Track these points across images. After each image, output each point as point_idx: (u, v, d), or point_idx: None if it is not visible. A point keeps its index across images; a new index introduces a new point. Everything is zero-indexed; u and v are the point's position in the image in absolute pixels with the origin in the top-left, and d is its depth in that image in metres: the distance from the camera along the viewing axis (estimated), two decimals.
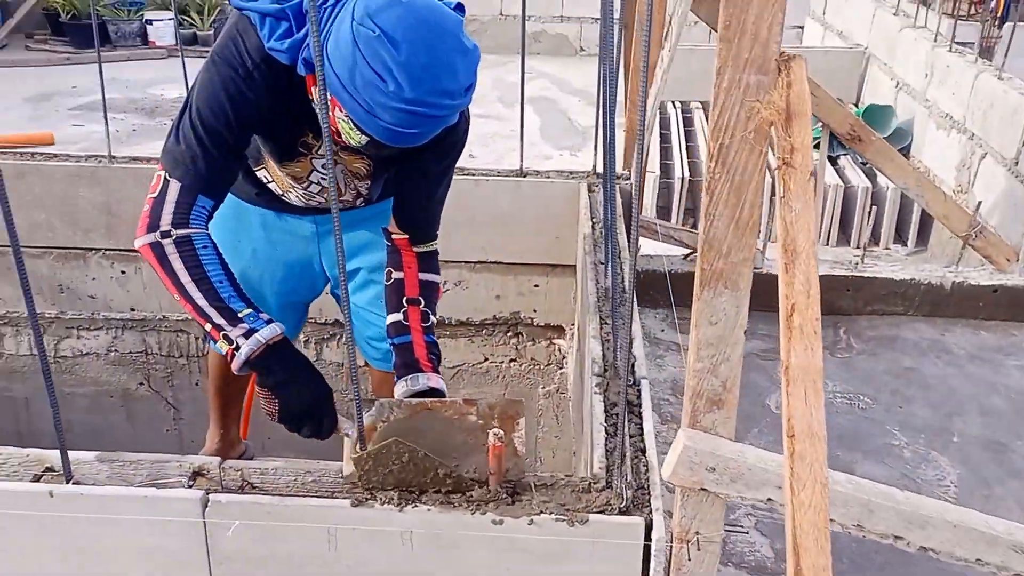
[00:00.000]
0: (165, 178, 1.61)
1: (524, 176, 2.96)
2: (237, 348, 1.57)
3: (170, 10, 7.17)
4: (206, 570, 1.62)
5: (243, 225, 2.03)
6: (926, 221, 4.21)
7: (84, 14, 7.10)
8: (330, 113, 1.55)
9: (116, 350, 3.34)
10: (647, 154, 3.12)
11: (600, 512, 1.54)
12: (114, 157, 3.06)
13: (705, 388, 1.35)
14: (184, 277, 1.57)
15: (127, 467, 1.66)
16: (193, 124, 1.59)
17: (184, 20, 7.18)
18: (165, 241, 1.58)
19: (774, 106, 1.15)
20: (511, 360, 3.26)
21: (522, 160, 2.97)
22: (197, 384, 3.40)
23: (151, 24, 7.24)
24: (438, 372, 1.82)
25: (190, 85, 1.70)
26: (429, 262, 1.87)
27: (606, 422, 1.79)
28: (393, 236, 1.86)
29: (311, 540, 1.58)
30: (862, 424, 2.47)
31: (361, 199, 1.91)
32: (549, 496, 1.58)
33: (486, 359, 3.27)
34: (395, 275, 1.85)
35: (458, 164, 1.96)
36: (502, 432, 1.55)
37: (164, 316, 3.26)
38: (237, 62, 1.58)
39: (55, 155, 3.13)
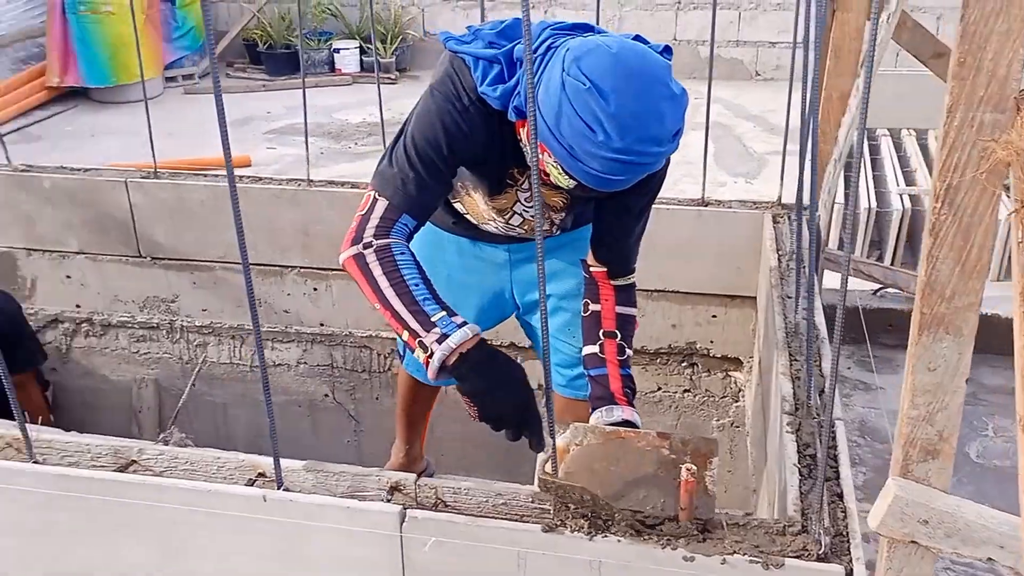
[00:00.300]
0: (374, 197, 1.69)
1: (706, 205, 2.93)
2: (431, 355, 1.58)
3: (356, 39, 7.56)
4: None
5: (439, 252, 2.11)
6: None
7: (280, 44, 7.59)
8: (539, 157, 1.60)
9: (305, 362, 3.53)
10: (836, 185, 3.02)
11: (797, 557, 1.50)
12: (312, 181, 3.25)
13: (919, 437, 1.30)
14: (383, 283, 1.61)
15: (331, 477, 1.75)
16: (407, 149, 1.68)
17: (368, 48, 7.55)
18: (367, 251, 1.64)
19: (1012, 146, 1.10)
20: (685, 391, 3.22)
21: (704, 189, 2.94)
22: (377, 398, 3.54)
23: (338, 52, 7.64)
24: (632, 406, 1.83)
25: (407, 113, 1.79)
26: (627, 295, 1.88)
27: (799, 463, 1.74)
28: (591, 269, 1.89)
29: (501, 562, 1.61)
30: None
31: (556, 228, 1.96)
32: (741, 536, 1.55)
33: (659, 388, 3.24)
34: (592, 307, 1.88)
35: None
36: (695, 467, 1.53)
37: (350, 332, 3.42)
38: (454, 96, 1.66)
39: (259, 178, 3.36)
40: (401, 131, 1.73)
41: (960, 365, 1.24)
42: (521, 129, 1.68)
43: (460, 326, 1.59)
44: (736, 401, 3.20)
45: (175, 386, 3.68)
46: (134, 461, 1.82)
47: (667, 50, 1.57)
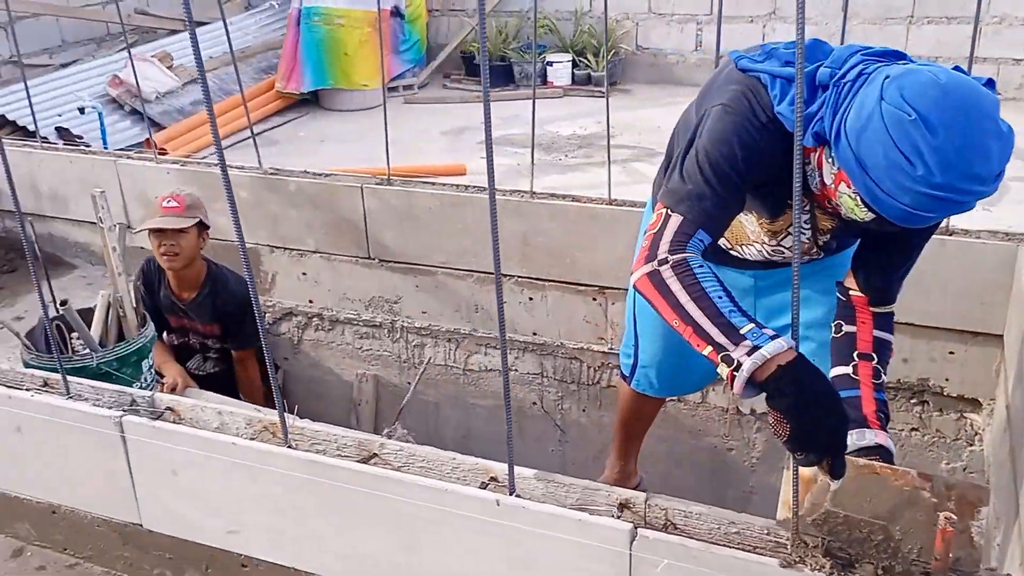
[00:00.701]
0: (667, 214, 1.66)
1: (950, 235, 2.75)
2: (737, 368, 1.47)
3: (569, 53, 7.66)
4: None
5: None
6: None
7: (496, 56, 7.82)
8: (834, 187, 1.57)
9: (516, 369, 3.61)
10: None
11: None
12: (535, 193, 3.32)
13: None
14: (683, 297, 1.56)
15: (560, 488, 1.78)
16: (700, 165, 1.66)
17: (580, 61, 7.63)
18: (663, 268, 1.60)
19: None
20: (912, 429, 3.03)
21: (949, 220, 2.77)
22: (584, 411, 3.57)
23: (551, 66, 7.78)
24: (886, 431, 1.74)
25: (696, 130, 1.73)
26: (885, 321, 1.81)
27: None
28: (850, 292, 1.82)
29: None
30: None
31: (817, 251, 1.89)
32: None
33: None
34: (846, 328, 1.81)
35: None
36: (955, 517, 1.44)
37: (562, 343, 3.47)
38: (749, 113, 1.64)
39: (484, 188, 3.47)
40: (689, 146, 1.70)
41: None
42: (812, 154, 1.63)
43: (772, 338, 1.48)
44: (971, 445, 2.98)
45: (392, 383, 3.87)
46: (375, 454, 1.93)
47: (991, 83, 1.48)
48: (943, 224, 2.76)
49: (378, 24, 4.70)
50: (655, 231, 1.66)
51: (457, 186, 3.49)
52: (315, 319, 3.88)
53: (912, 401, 3.01)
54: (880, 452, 1.70)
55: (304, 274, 3.80)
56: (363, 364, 3.89)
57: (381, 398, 3.93)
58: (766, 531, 1.62)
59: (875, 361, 1.78)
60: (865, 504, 1.50)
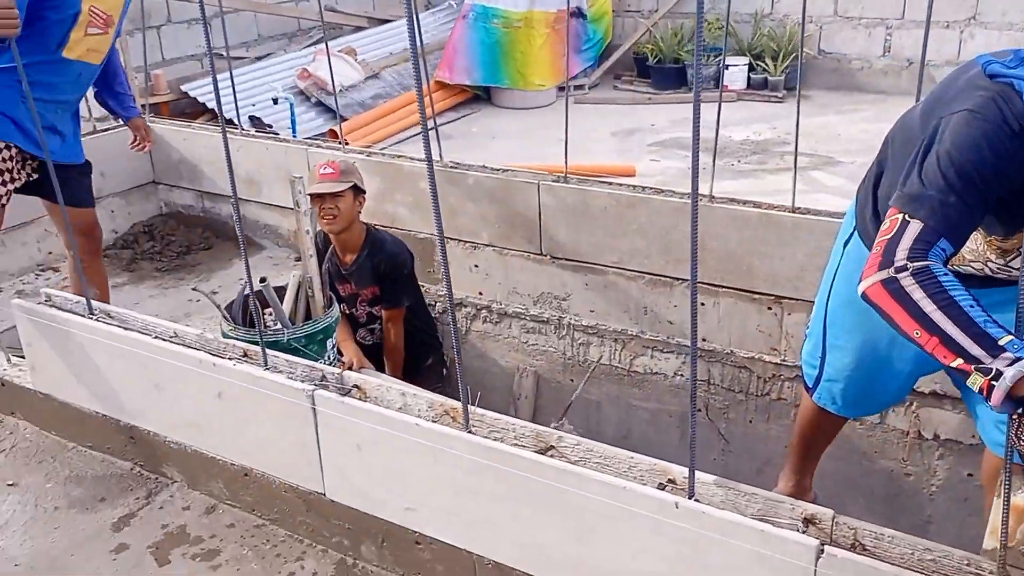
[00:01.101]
0: (904, 219, 1.58)
1: None
2: (996, 376, 1.40)
3: (746, 56, 7.49)
4: None
5: None
6: None
7: (669, 58, 7.74)
8: None
9: (682, 375, 3.56)
10: None
11: None
12: (714, 197, 3.27)
13: None
14: (928, 306, 1.48)
15: (741, 496, 1.75)
16: (944, 171, 1.58)
17: (757, 65, 7.44)
18: (901, 275, 1.52)
19: None
20: None
21: None
22: (751, 422, 3.48)
23: (727, 69, 7.62)
24: None
25: (933, 135, 1.65)
26: None
27: None
28: None
29: None
30: None
31: None
32: None
33: None
34: None
35: None
36: None
37: (732, 351, 3.40)
38: (1000, 120, 1.56)
39: (661, 190, 3.44)
40: (927, 150, 1.63)
41: None
42: None
43: None
44: None
45: (554, 379, 3.90)
46: (552, 447, 1.95)
47: None
48: None
49: (557, 25, 4.74)
50: (889, 236, 1.57)
51: (633, 187, 3.48)
52: (483, 311, 3.96)
53: None
54: None
55: (476, 266, 3.89)
56: (527, 359, 3.94)
57: (541, 394, 3.97)
58: (966, 561, 1.54)
59: None
60: None
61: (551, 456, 1.93)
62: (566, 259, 3.64)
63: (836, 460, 3.12)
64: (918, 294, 1.49)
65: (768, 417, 3.43)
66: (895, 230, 1.57)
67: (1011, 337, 1.42)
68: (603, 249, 3.52)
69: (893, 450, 3.19)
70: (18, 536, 2.36)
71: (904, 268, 1.52)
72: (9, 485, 2.56)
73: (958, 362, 1.44)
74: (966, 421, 2.93)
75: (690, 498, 1.74)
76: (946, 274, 1.51)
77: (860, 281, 1.59)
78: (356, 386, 2.21)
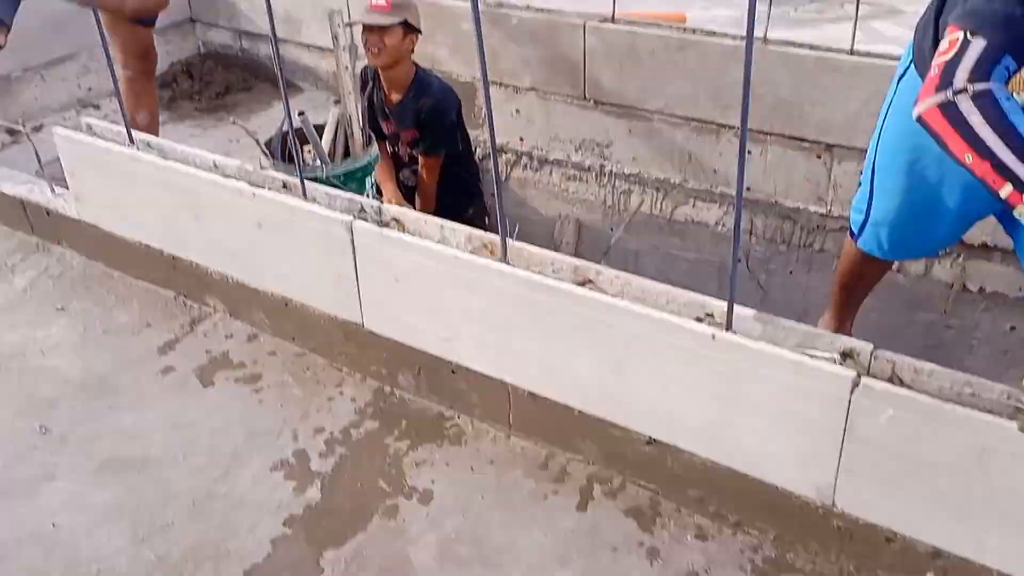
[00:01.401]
0: (965, 37, 1.49)
1: None
2: None
3: None
4: (837, 447, 1.65)
5: None
6: None
7: None
8: None
9: (723, 225, 3.51)
10: None
11: None
12: (768, 40, 3.13)
13: None
14: (984, 132, 1.42)
15: (779, 330, 1.73)
16: None
17: None
18: (959, 98, 1.45)
19: None
20: None
21: None
22: (791, 273, 3.45)
23: None
24: None
25: None
26: None
27: None
28: None
29: (959, 453, 1.51)
30: None
31: None
32: None
33: None
34: None
35: None
36: None
37: (776, 201, 3.33)
38: None
39: (713, 32, 3.30)
40: None
41: None
42: None
43: None
44: None
45: (594, 227, 3.87)
46: (590, 280, 1.94)
47: None
48: None
49: None
50: (949, 57, 1.48)
51: (684, 29, 3.33)
52: (524, 157, 3.90)
53: None
54: None
55: (517, 111, 3.80)
56: (567, 206, 3.90)
57: (582, 241, 3.95)
58: (1007, 395, 1.52)
59: None
60: None
61: (589, 288, 1.92)
62: (610, 104, 3.54)
63: (876, 311, 3.08)
64: (975, 119, 1.42)
65: (809, 269, 3.39)
66: (955, 49, 1.49)
67: None
68: (649, 94, 3.41)
69: (935, 302, 3.14)
70: (68, 356, 2.44)
71: (964, 91, 1.44)
72: (58, 310, 2.63)
73: (1007, 189, 1.39)
74: (1015, 274, 2.86)
75: (727, 330, 1.73)
76: (1009, 98, 1.43)
77: (916, 104, 1.51)
78: (395, 219, 2.19)
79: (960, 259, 3.02)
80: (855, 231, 2.25)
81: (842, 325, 2.45)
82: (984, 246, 2.91)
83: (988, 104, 1.42)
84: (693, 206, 3.55)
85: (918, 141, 1.96)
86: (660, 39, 3.30)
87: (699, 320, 1.80)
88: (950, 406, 1.51)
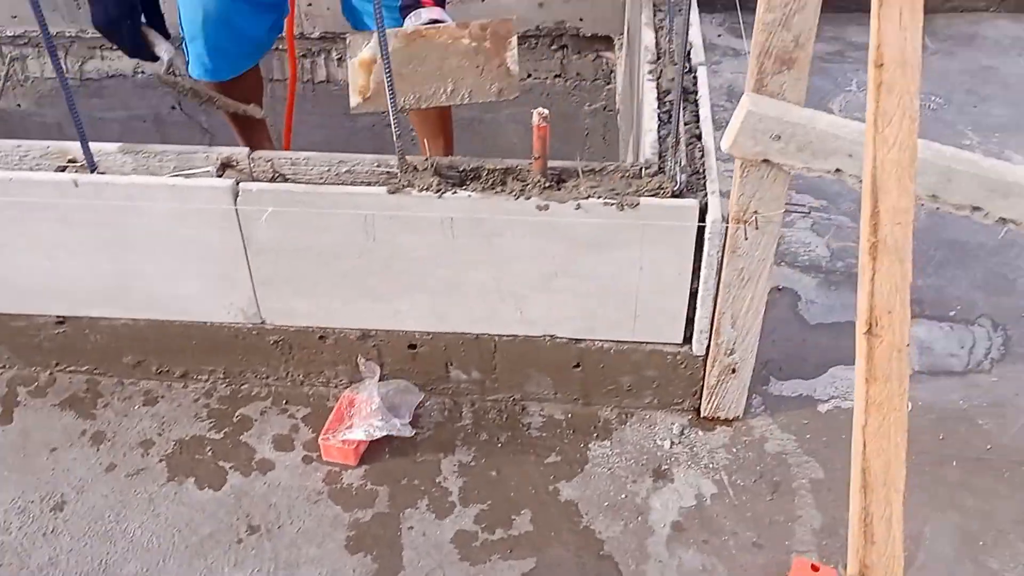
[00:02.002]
0: None
1: None
2: None
3: None
4: (244, 261, 1.58)
5: None
6: None
7: None
8: None
9: (143, 71, 3.20)
10: None
11: (652, 196, 1.45)
12: None
13: (775, 45, 1.20)
14: None
15: (152, 158, 1.58)
16: None
17: None
18: None
19: None
20: (555, 76, 3.07)
21: None
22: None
23: None
24: (441, 5, 1.72)
25: None
26: None
27: (659, 109, 1.66)
28: None
29: (346, 230, 1.51)
30: (932, 125, 2.30)
31: None
32: (597, 181, 1.48)
33: (529, 76, 3.08)
34: None
35: None
36: (546, 112, 1.42)
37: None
38: None
39: None
40: None
41: None
42: None
43: None
44: (608, 83, 3.07)
45: None
46: None
47: None
48: None
49: None
50: None
51: None
52: None
53: (552, 47, 3.02)
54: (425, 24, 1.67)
55: None
56: None
57: None
58: (376, 164, 1.54)
59: None
60: (420, 68, 1.52)
61: None
62: None
63: (320, 128, 3.07)
64: None
65: None
66: None
67: None
68: None
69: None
70: None
71: None
72: None
73: None
74: None
75: (92, 172, 1.54)
76: None
77: None
78: None
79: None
80: (187, 60, 2.06)
81: (255, 141, 2.33)
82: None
83: None
84: (102, 59, 3.17)
85: None
86: None
87: (61, 170, 1.57)
88: (328, 188, 1.49)
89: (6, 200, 1.53)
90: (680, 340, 1.59)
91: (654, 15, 1.93)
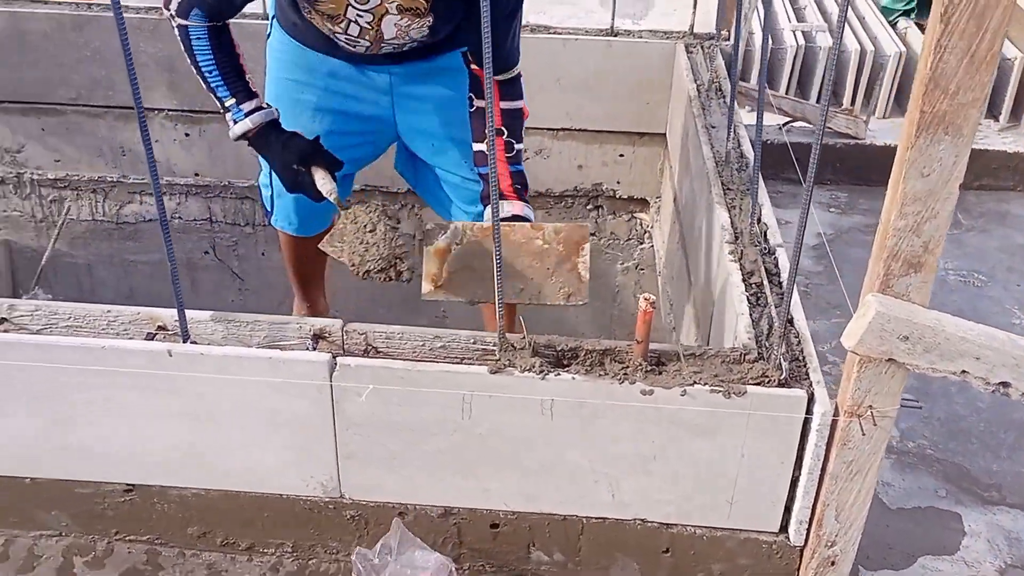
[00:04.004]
0: None
1: (615, 35, 2.76)
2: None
3: None
4: (331, 435, 1.54)
5: (310, 75, 1.89)
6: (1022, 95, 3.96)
7: None
8: None
9: (180, 217, 3.22)
10: (749, 14, 2.90)
11: (757, 384, 1.44)
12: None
13: (904, 249, 1.22)
14: (188, 59, 1.71)
15: (243, 327, 1.56)
16: None
17: None
18: (174, 23, 1.68)
19: None
20: (590, 234, 3.13)
21: (613, 18, 2.76)
22: (263, 254, 3.30)
23: None
24: (524, 200, 1.78)
25: None
26: (510, 89, 1.79)
27: (746, 291, 1.67)
28: (471, 66, 1.81)
29: (445, 406, 1.49)
30: (980, 302, 2.35)
31: (418, 43, 1.75)
32: (699, 366, 1.48)
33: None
34: (477, 103, 1.80)
35: (543, 23, 1.86)
36: (653, 297, 1.43)
37: (229, 183, 3.13)
38: None
39: (118, 4, 2.93)
40: None
41: (956, 169, 1.16)
42: None
43: (248, 115, 1.71)
44: (641, 243, 3.14)
45: (28, 246, 3.31)
46: (5, 319, 1.57)
47: None
48: (609, 26, 2.76)
49: None
50: None
51: (76, 3, 2.91)
52: None
53: (588, 207, 3.09)
54: (518, 221, 1.72)
55: None
56: None
57: (17, 266, 3.36)
58: (472, 340, 1.53)
59: (506, 135, 1.79)
60: (490, 261, 1.51)
61: (5, 331, 1.55)
62: (10, 102, 3.00)
63: (346, 275, 3.08)
64: (184, 46, 1.70)
65: (279, 246, 3.26)
66: None
67: (234, 99, 1.70)
68: (53, 84, 2.95)
69: (409, 255, 3.23)
70: None
71: (173, 19, 1.67)
72: None
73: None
74: None
75: (185, 341, 1.51)
76: (200, 38, 1.67)
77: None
78: None
79: (415, 208, 3.13)
80: (268, 209, 2.12)
81: (315, 305, 2.35)
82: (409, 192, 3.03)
83: (183, 37, 1.68)
84: (141, 203, 3.19)
85: (295, 96, 1.92)
86: (51, 19, 2.85)
87: (150, 337, 1.55)
88: (427, 365, 1.48)
89: (96, 368, 1.49)
90: (776, 529, 1.56)
91: (724, 193, 1.98)
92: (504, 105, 1.79)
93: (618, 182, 3.03)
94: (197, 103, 2.95)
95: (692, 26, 2.74)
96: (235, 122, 1.70)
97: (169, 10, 1.67)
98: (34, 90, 2.96)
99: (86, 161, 3.11)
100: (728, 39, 2.72)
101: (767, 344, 1.53)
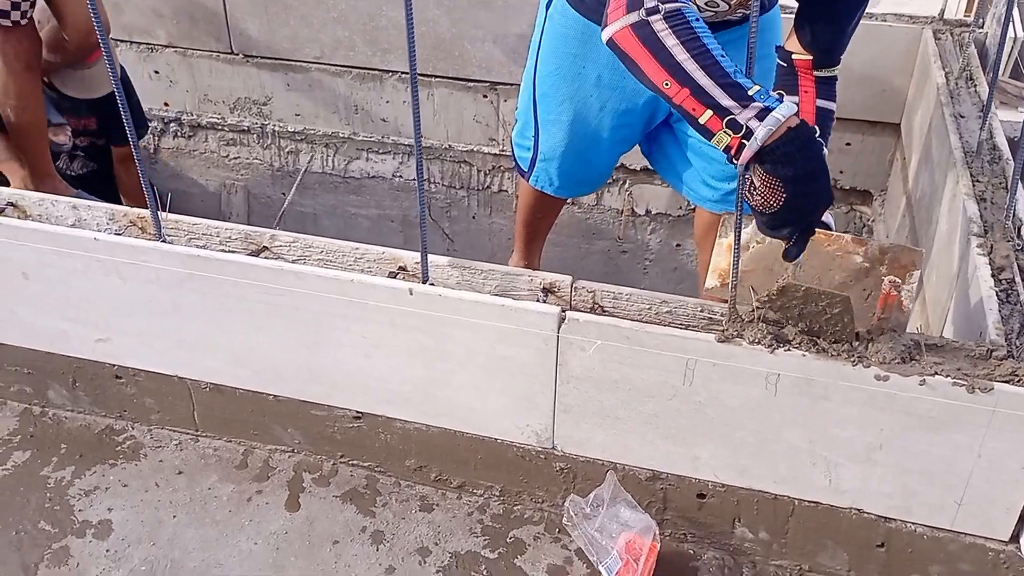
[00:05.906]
0: None
1: None
2: (747, 135, 1.29)
3: None
4: (552, 386, 1.59)
5: (590, 49, 1.90)
6: None
7: None
8: None
9: (401, 176, 3.38)
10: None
11: (1006, 382, 1.37)
12: None
13: None
14: (680, 55, 1.32)
15: (478, 275, 1.63)
16: None
17: None
18: (652, 18, 1.34)
19: None
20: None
21: None
22: (474, 218, 3.41)
23: None
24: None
25: None
26: (829, 88, 1.69)
27: (996, 287, 1.58)
28: (793, 56, 1.67)
29: (665, 371, 1.50)
30: None
31: (738, 6, 1.70)
32: (941, 358, 1.41)
33: None
34: (788, 100, 1.68)
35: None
36: (899, 281, 1.38)
37: (450, 146, 3.25)
38: None
39: None
40: None
41: None
42: None
43: (780, 99, 1.32)
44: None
45: (265, 193, 3.58)
46: (266, 247, 1.71)
47: None
48: None
49: None
50: None
51: None
52: (172, 124, 3.49)
53: None
54: (820, 227, 1.63)
55: (156, 72, 3.38)
56: (231, 174, 3.57)
57: (253, 211, 3.64)
58: (700, 308, 1.53)
59: (817, 134, 1.67)
60: (799, 272, 1.43)
61: (266, 257, 1.69)
62: (262, 57, 3.24)
63: (556, 245, 3.14)
64: (671, 40, 1.33)
65: (491, 211, 3.37)
66: None
67: (759, 87, 1.32)
68: (302, 42, 3.16)
69: (609, 229, 3.26)
70: None
71: (656, 11, 1.35)
72: None
73: (708, 115, 1.32)
74: (675, 194, 3.01)
75: (424, 282, 1.60)
76: (698, 19, 1.36)
77: (604, 27, 1.42)
78: (11, 203, 1.81)
79: (627, 184, 3.14)
80: (524, 168, 2.19)
81: (530, 263, 2.42)
82: (646, 170, 3.04)
83: (680, 24, 1.33)
84: (367, 160, 3.38)
85: (577, 69, 1.94)
86: None
87: (393, 275, 1.64)
88: (654, 328, 1.49)
89: (344, 299, 1.61)
90: (1007, 538, 1.47)
91: (973, 185, 1.87)
92: (821, 103, 1.68)
93: (841, 172, 2.92)
94: (428, 67, 3.09)
95: (943, 11, 2.59)
96: (766, 112, 1.29)
97: (637, 11, 1.36)
98: (284, 46, 3.19)
99: (323, 116, 3.32)
100: (983, 27, 2.55)
101: (1017, 343, 1.44)
